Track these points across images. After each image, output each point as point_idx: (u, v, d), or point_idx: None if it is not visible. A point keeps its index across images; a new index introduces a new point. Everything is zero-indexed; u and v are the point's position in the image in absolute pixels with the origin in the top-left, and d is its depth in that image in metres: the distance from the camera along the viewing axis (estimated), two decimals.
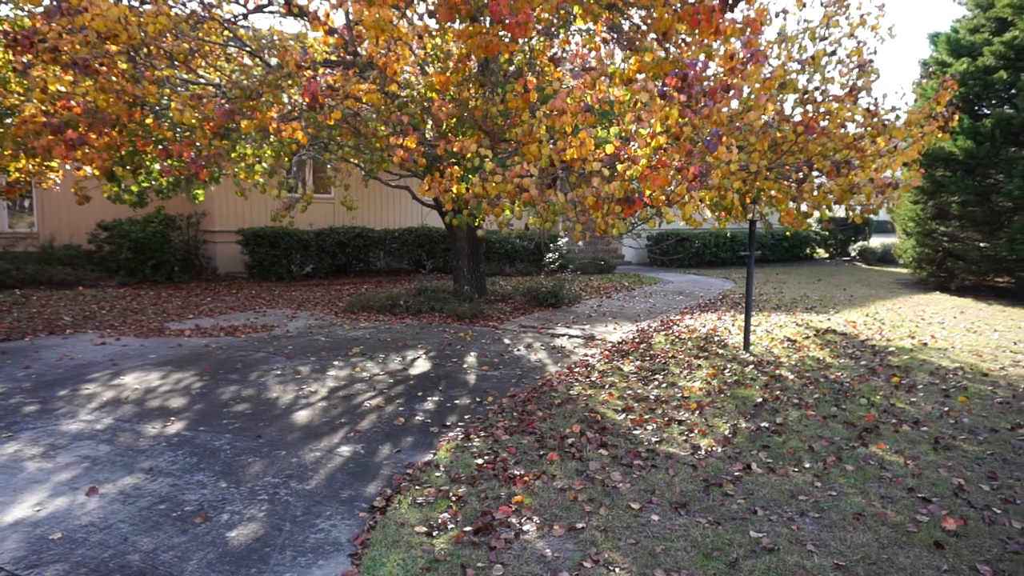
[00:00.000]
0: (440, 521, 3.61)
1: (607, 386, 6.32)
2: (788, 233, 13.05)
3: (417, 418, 5.42)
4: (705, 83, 5.44)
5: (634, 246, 20.67)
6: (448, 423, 5.30)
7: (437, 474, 4.26)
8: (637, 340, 8.51)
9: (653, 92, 4.65)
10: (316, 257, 14.64)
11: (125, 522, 3.60)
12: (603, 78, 5.51)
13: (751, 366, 7.14)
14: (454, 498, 3.89)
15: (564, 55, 7.85)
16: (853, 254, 23.70)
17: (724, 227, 7.18)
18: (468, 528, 3.52)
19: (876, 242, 25.03)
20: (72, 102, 6.53)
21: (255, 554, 3.31)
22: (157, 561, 3.22)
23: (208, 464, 4.43)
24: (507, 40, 5.52)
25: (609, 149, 5.21)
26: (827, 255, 24.40)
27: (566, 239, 15.32)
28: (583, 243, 19.12)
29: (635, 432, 5.07)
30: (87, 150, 6.80)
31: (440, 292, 11.22)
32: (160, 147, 7.43)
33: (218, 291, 12.73)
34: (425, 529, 3.53)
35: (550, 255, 12.95)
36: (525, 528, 3.56)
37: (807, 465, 4.46)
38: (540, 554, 3.30)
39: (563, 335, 8.84)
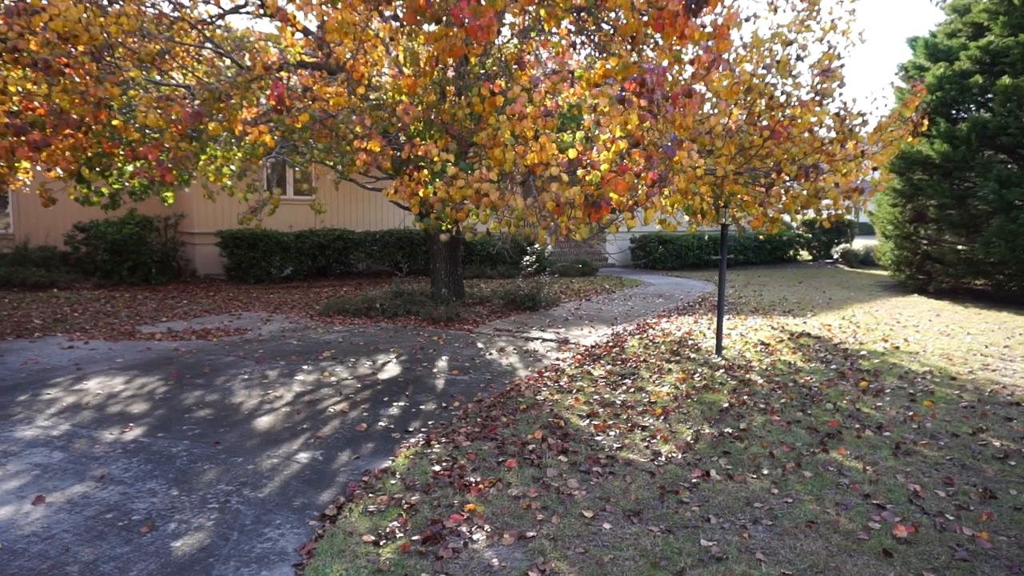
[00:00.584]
0: (389, 530, 3.58)
1: (575, 391, 6.30)
2: (762, 236, 13.11)
3: (380, 424, 5.38)
4: (671, 88, 5.44)
5: (618, 249, 20.69)
6: (411, 429, 5.27)
7: (392, 481, 4.22)
8: (611, 344, 8.49)
9: (611, 96, 4.63)
10: (296, 259, 14.55)
11: (69, 532, 3.55)
12: (566, 82, 5.49)
13: (722, 370, 7.14)
14: (406, 506, 3.85)
15: (535, 59, 7.83)
16: (836, 256, 23.82)
17: (694, 231, 7.18)
18: (416, 537, 3.49)
19: (859, 244, 25.18)
20: (36, 103, 6.46)
21: (198, 564, 3.26)
22: (97, 572, 3.17)
23: (162, 471, 4.38)
24: (472, 44, 5.49)
25: (572, 154, 5.20)
26: (810, 257, 24.51)
27: (538, 243, 15.30)
28: (555, 246, 19.11)
29: (597, 438, 5.05)
30: (52, 151, 6.73)
31: (417, 295, 11.17)
32: (128, 149, 7.36)
33: (195, 293, 12.63)
34: (373, 538, 3.49)
35: (527, 258, 12.94)
36: (475, 537, 3.53)
37: (766, 472, 4.45)
38: (487, 564, 3.27)
39: (537, 339, 8.82)
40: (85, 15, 5.62)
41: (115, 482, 4.19)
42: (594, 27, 7.66)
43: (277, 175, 14.95)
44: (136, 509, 3.83)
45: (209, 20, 8.86)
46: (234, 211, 14.41)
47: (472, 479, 4.25)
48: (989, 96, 13.01)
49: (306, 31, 8.85)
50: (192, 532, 3.58)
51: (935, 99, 13.48)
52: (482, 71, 7.48)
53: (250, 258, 13.96)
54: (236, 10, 9.31)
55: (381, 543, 3.45)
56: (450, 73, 7.70)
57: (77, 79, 6.27)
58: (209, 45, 8.64)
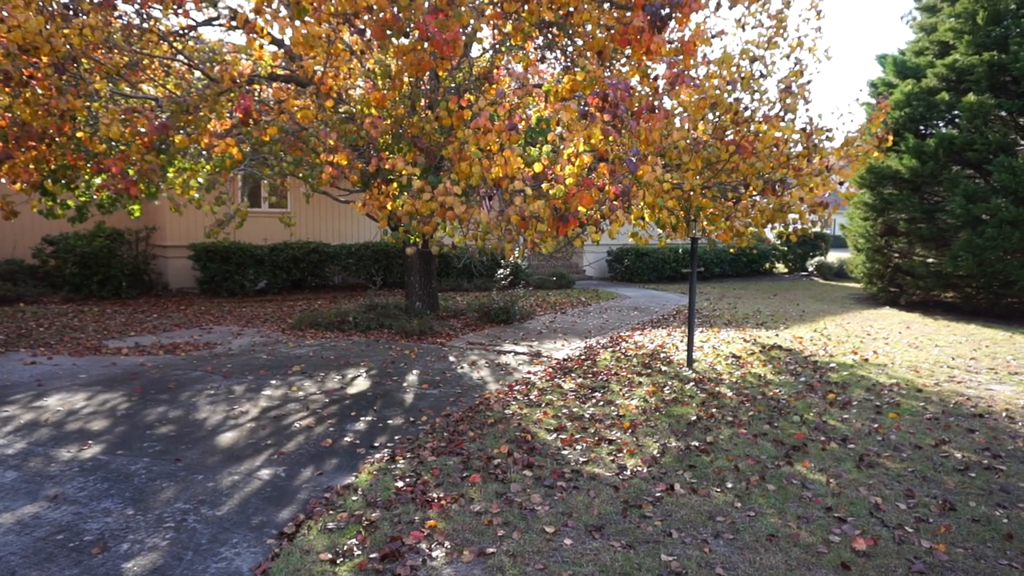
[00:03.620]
0: (347, 547, 3.52)
1: (544, 404, 6.28)
2: (732, 250, 13.22)
3: (346, 439, 5.32)
4: (637, 103, 5.48)
5: (594, 261, 20.76)
6: (377, 444, 5.21)
7: (354, 498, 4.17)
8: (583, 357, 8.49)
9: (574, 111, 4.66)
10: (270, 272, 14.42)
11: (16, 554, 3.45)
12: (531, 96, 5.52)
13: (692, 383, 7.16)
14: (366, 523, 3.80)
15: (507, 73, 7.87)
16: (811, 269, 24.11)
17: (664, 245, 7.22)
18: (375, 555, 3.44)
19: (833, 257, 25.52)
20: None
21: None
22: None
23: (118, 490, 4.28)
24: (440, 58, 5.50)
25: (538, 168, 5.21)
26: (786, 270, 24.78)
27: (505, 256, 15.34)
28: (532, 259, 19.15)
29: (563, 452, 5.03)
30: (14, 164, 6.63)
31: (391, 308, 11.11)
32: (94, 161, 7.26)
33: (166, 307, 12.47)
34: (330, 556, 3.43)
35: (501, 271, 12.94)
36: (434, 554, 3.49)
37: (730, 485, 4.46)
38: None
39: (509, 352, 8.80)
40: (47, 26, 5.54)
41: (69, 502, 4.10)
42: (566, 42, 7.72)
43: (250, 188, 14.84)
44: (89, 529, 3.74)
45: (180, 32, 8.80)
46: (207, 224, 14.29)
47: (435, 495, 4.20)
48: (956, 112, 13.28)
49: (278, 43, 8.83)
50: (145, 552, 3.50)
51: (904, 115, 13.73)
52: (452, 85, 7.50)
53: (223, 271, 13.82)
54: (208, 22, 9.26)
55: (338, 561, 3.40)
56: (422, 87, 7.71)
57: (40, 91, 6.19)
58: (181, 57, 8.58)
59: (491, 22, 5.76)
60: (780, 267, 24.90)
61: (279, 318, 11.45)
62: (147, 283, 14.14)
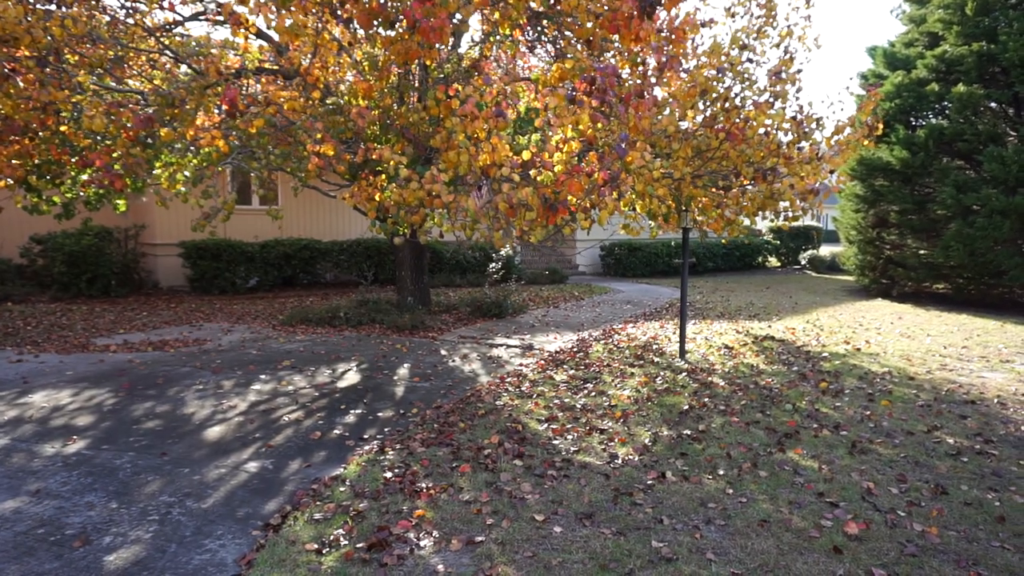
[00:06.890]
0: (333, 538, 3.47)
1: (535, 396, 6.24)
2: (724, 241, 13.22)
3: (335, 432, 5.27)
4: (623, 89, 5.43)
5: (588, 256, 20.73)
6: (366, 436, 5.16)
7: (341, 489, 4.12)
8: (575, 349, 8.45)
9: (563, 97, 4.61)
10: (261, 269, 14.33)
11: None
12: (517, 82, 5.47)
13: (684, 373, 7.13)
14: (353, 513, 3.75)
15: (494, 63, 7.81)
16: (804, 262, 24.13)
17: (655, 236, 7.17)
18: (361, 544, 3.39)
19: (826, 251, 25.54)
20: None
21: None
22: None
23: (102, 484, 4.22)
24: (427, 47, 5.44)
25: (526, 155, 5.16)
26: (779, 264, 24.80)
27: (510, 248, 15.24)
28: (525, 254, 19.09)
29: (555, 442, 4.99)
30: None
31: (383, 304, 11.05)
32: (80, 156, 7.18)
33: (156, 305, 12.37)
34: (316, 546, 3.38)
35: (492, 265, 12.90)
36: (422, 543, 3.44)
37: (722, 472, 4.43)
38: (432, 570, 3.19)
39: (501, 345, 8.75)
40: (28, 18, 5.46)
41: (51, 496, 4.03)
42: (555, 32, 7.67)
43: (238, 184, 14.74)
44: (71, 523, 3.68)
45: (166, 27, 8.72)
46: (196, 220, 14.18)
47: (424, 485, 4.16)
48: (945, 103, 13.28)
49: (263, 36, 8.75)
50: (128, 545, 3.44)
51: (894, 107, 13.73)
52: (440, 76, 7.44)
53: (214, 269, 13.72)
54: (194, 17, 9.18)
55: (324, 551, 3.35)
56: (409, 78, 7.64)
57: (22, 84, 6.10)
58: (168, 52, 8.50)
59: (479, 10, 5.70)
60: (773, 261, 24.92)
61: (270, 315, 11.37)
62: (136, 281, 14.03)
